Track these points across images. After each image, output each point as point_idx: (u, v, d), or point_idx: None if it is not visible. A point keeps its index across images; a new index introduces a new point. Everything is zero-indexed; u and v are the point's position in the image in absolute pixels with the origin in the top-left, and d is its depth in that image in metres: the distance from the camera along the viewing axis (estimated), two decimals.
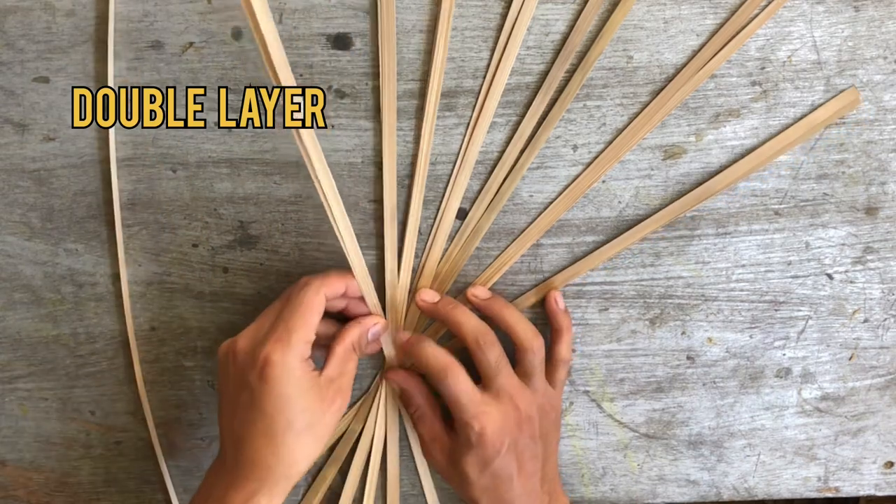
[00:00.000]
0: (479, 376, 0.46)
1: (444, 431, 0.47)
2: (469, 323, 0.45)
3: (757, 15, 0.45)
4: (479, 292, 0.48)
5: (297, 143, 0.42)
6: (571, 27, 0.45)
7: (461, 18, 0.45)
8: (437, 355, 0.45)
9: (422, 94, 0.46)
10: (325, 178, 0.43)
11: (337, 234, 0.44)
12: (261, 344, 0.41)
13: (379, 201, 0.48)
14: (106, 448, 0.52)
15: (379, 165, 0.47)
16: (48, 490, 0.53)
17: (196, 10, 0.45)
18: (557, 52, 0.46)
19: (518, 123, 0.47)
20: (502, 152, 0.47)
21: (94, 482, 0.53)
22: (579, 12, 0.45)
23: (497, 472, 0.44)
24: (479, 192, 0.48)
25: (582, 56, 0.46)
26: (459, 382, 0.44)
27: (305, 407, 0.41)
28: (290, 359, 0.41)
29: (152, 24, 0.45)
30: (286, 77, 0.40)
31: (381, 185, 0.47)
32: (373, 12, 0.45)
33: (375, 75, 0.46)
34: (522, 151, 0.47)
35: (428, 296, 0.48)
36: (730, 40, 0.45)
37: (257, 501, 0.40)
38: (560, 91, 0.46)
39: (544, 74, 0.46)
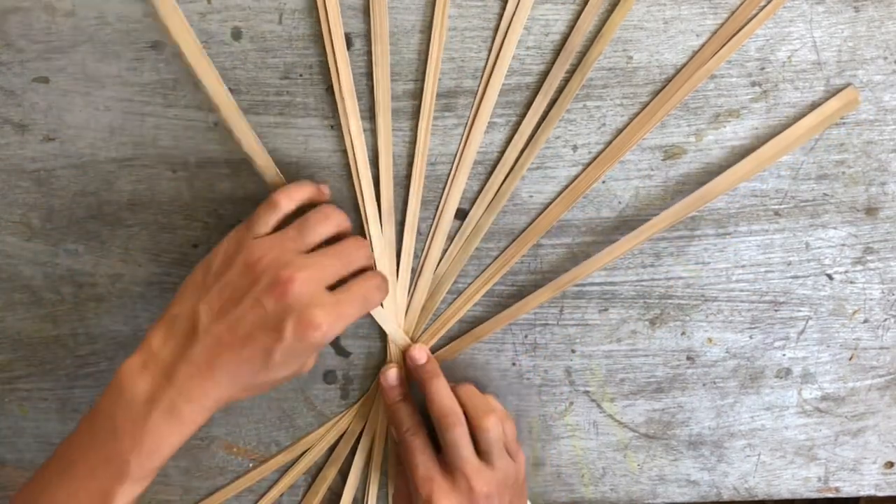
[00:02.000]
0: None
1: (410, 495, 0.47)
2: (439, 400, 0.46)
3: (755, 14, 0.45)
4: (415, 353, 0.48)
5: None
6: (571, 27, 0.45)
7: (461, 18, 0.45)
8: (406, 415, 0.47)
9: (421, 95, 0.46)
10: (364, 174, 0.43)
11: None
12: (318, 299, 0.38)
13: (379, 201, 0.48)
14: None
15: (378, 165, 0.47)
16: None
17: (196, 10, 0.45)
18: (557, 52, 0.46)
19: (518, 124, 0.47)
20: (502, 152, 0.47)
21: None
22: (579, 13, 0.45)
23: None
24: (479, 192, 0.48)
25: (582, 56, 0.46)
26: (416, 443, 0.46)
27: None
28: (331, 336, 0.38)
29: (152, 25, 0.45)
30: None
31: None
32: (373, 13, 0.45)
33: None
34: (522, 151, 0.47)
35: (417, 355, 0.48)
36: (729, 40, 0.45)
37: (208, 413, 0.39)
38: (560, 91, 0.46)
39: (544, 74, 0.46)
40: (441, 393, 0.46)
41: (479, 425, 0.45)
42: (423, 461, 0.45)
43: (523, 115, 0.47)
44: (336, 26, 0.44)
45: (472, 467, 0.45)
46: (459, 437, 0.45)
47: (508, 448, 0.47)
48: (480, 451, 0.46)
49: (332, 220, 0.42)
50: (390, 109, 0.46)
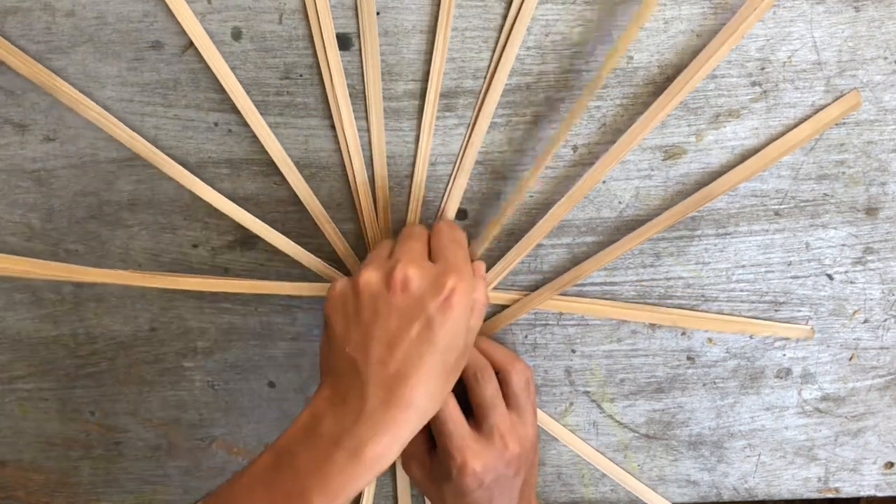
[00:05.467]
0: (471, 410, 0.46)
1: (426, 451, 0.47)
2: (470, 356, 0.45)
3: (753, 12, 0.45)
4: None
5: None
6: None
7: (461, 19, 0.45)
8: None
9: (422, 95, 0.46)
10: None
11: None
12: (442, 274, 0.39)
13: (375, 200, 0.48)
14: (106, 448, 0.52)
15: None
16: (48, 490, 0.53)
17: (196, 11, 0.45)
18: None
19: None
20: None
21: (94, 482, 0.53)
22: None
23: (474, 501, 0.44)
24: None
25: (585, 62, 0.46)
26: (448, 409, 0.44)
27: (465, 346, 0.40)
28: (470, 293, 0.39)
29: (152, 25, 0.45)
30: None
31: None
32: (381, 13, 0.45)
33: None
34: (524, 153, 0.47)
35: None
36: (729, 38, 0.45)
37: (394, 449, 0.37)
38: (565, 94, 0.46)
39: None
40: (472, 350, 0.45)
41: (509, 370, 0.45)
42: (456, 428, 0.44)
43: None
44: (327, 26, 0.44)
45: (506, 424, 0.44)
46: (495, 391, 0.44)
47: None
48: (510, 401, 0.45)
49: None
50: (382, 108, 0.46)
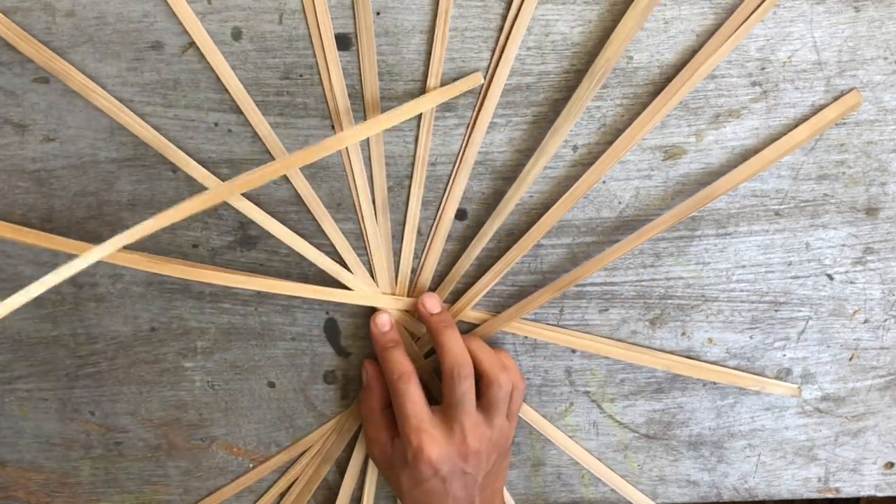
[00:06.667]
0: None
1: (389, 437, 0.47)
2: (452, 350, 0.45)
3: (754, 12, 0.45)
4: (429, 302, 0.48)
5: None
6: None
7: (461, 19, 0.45)
8: (399, 360, 0.46)
9: (422, 95, 0.46)
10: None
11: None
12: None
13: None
14: (106, 448, 0.52)
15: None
16: (48, 490, 0.53)
17: (196, 11, 0.45)
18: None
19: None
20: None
21: (94, 482, 0.53)
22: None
23: (429, 491, 0.44)
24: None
25: (590, 61, 0.46)
26: (410, 391, 0.45)
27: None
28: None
29: (152, 25, 0.45)
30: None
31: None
32: (381, 13, 0.45)
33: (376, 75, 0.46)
34: (528, 156, 0.47)
35: (430, 303, 0.48)
36: (728, 38, 0.45)
37: None
38: (568, 96, 0.46)
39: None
40: (455, 343, 0.46)
41: (492, 379, 0.45)
42: (416, 411, 0.45)
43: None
44: (326, 26, 0.44)
45: (471, 421, 0.44)
46: (468, 390, 0.45)
47: (509, 409, 0.46)
48: (483, 405, 0.45)
49: None
50: (380, 108, 0.46)
